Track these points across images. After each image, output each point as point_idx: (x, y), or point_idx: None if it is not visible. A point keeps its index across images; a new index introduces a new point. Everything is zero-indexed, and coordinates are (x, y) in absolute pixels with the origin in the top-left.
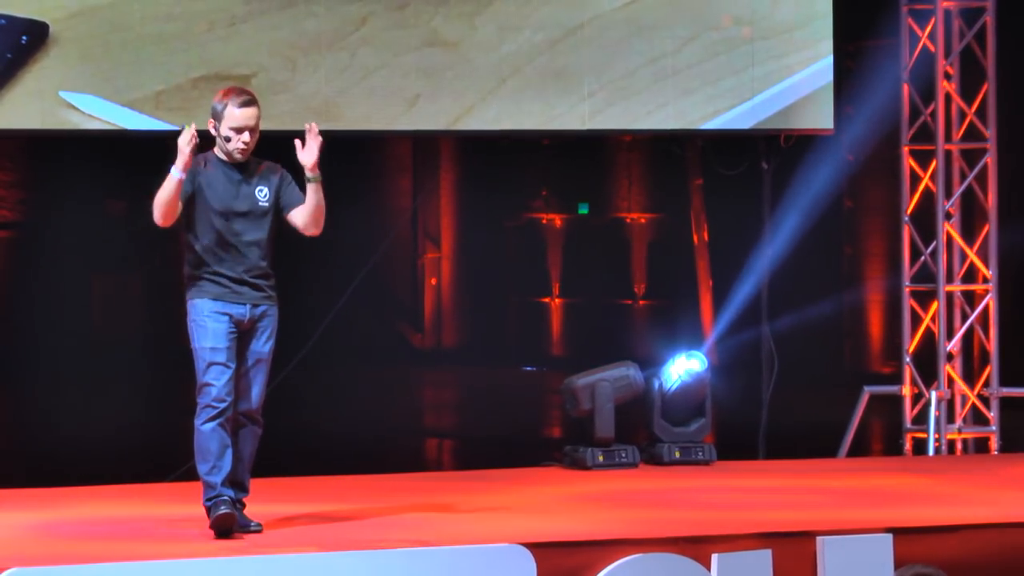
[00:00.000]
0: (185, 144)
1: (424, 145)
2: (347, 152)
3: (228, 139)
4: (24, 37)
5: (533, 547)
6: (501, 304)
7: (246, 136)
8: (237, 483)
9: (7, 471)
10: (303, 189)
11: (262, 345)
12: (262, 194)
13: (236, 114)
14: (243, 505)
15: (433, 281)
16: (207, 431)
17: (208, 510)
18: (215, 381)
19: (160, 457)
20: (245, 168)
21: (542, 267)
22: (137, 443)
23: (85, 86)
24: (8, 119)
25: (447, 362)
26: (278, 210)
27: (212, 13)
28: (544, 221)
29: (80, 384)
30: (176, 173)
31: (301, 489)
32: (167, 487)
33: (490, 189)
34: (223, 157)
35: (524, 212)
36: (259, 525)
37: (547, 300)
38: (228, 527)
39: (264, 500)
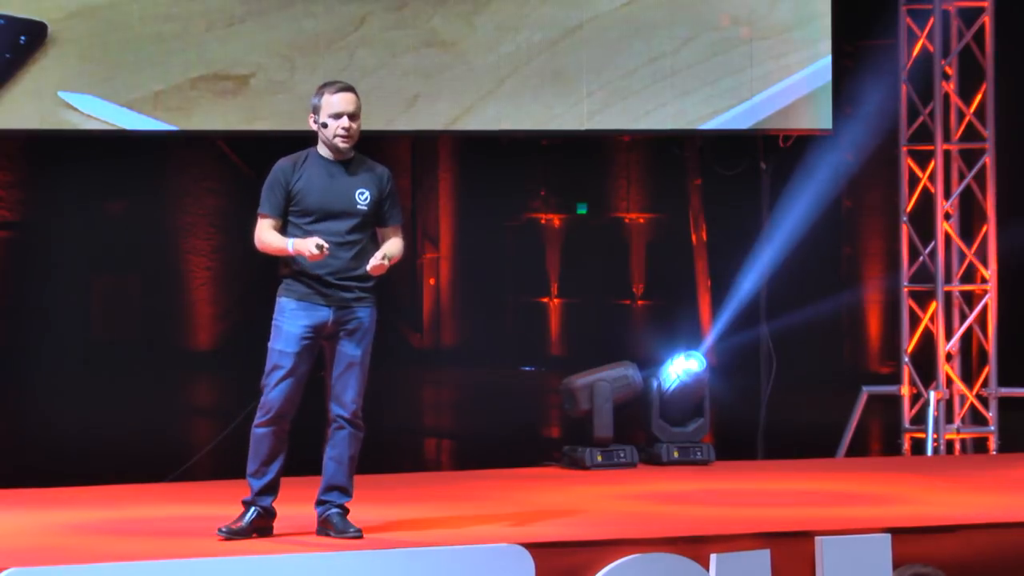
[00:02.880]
0: (307, 252)
1: (423, 145)
2: None
3: (326, 125)
4: (23, 37)
5: (532, 547)
6: (500, 304)
7: (345, 121)
8: (338, 487)
9: (7, 471)
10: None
11: (352, 348)
12: (362, 196)
13: (333, 100)
14: (346, 511)
15: (432, 281)
16: (259, 434)
17: (246, 508)
18: (274, 386)
19: (160, 457)
20: (348, 167)
21: (541, 267)
22: (137, 443)
23: (84, 86)
24: (7, 119)
25: (446, 362)
26: (378, 214)
27: (211, 13)
28: (543, 221)
29: (80, 384)
30: (290, 247)
31: (300, 489)
32: (167, 487)
33: (489, 189)
34: (325, 154)
35: (523, 212)
36: (358, 531)
37: (546, 300)
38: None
39: None
